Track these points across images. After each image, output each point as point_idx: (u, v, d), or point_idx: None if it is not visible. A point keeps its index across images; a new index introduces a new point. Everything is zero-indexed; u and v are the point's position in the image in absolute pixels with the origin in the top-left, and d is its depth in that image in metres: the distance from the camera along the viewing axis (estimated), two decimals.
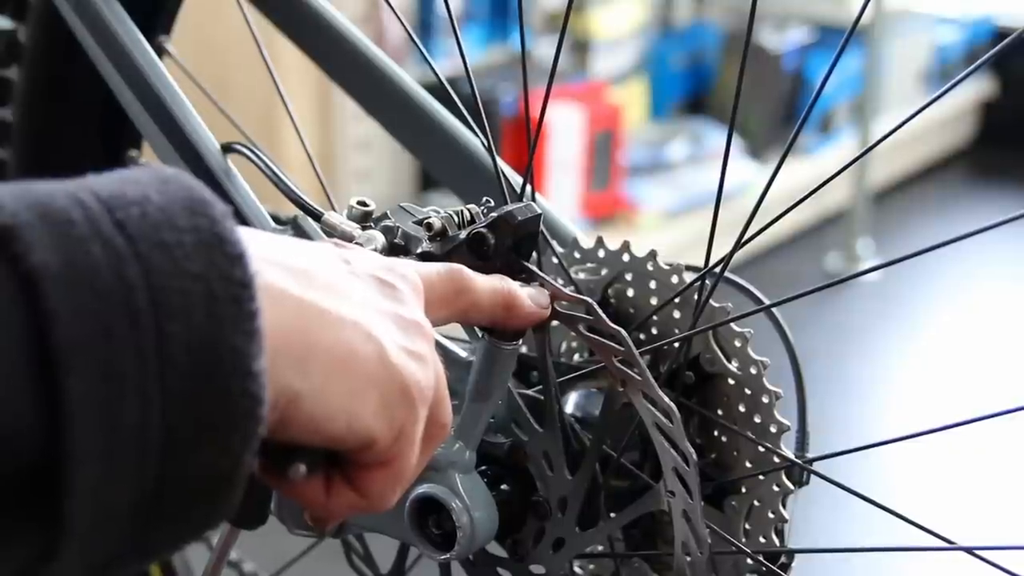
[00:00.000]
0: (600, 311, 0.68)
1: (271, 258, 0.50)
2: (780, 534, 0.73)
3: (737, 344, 0.73)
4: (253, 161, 0.78)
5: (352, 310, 0.52)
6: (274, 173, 0.76)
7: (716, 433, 0.75)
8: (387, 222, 0.71)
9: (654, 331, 0.76)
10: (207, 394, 0.44)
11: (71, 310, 0.41)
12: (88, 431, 0.42)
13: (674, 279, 0.75)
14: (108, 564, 0.45)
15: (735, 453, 0.74)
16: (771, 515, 0.73)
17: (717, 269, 0.72)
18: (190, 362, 0.43)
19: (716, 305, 0.72)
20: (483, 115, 0.78)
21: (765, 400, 0.72)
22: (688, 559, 0.68)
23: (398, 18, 0.81)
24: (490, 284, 0.64)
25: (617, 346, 0.68)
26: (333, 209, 0.74)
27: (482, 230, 0.68)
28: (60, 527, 0.42)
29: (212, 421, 0.44)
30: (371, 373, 0.51)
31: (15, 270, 0.41)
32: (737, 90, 0.69)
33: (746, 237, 0.70)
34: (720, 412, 0.74)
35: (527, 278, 0.69)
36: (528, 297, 0.66)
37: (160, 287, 0.43)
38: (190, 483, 0.45)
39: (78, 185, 0.45)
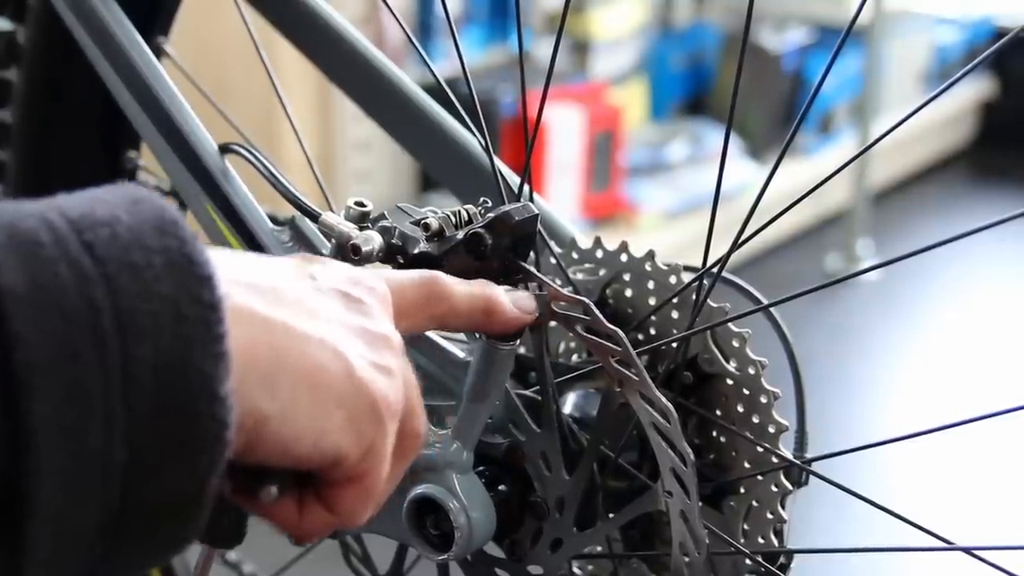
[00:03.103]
0: (597, 312, 0.68)
1: (238, 278, 0.50)
2: (779, 534, 0.73)
3: (735, 344, 0.73)
4: (251, 162, 0.78)
5: (318, 327, 0.51)
6: (272, 174, 0.76)
7: (714, 433, 0.75)
8: (384, 222, 0.71)
9: (652, 331, 0.76)
10: (173, 417, 0.44)
11: (36, 331, 0.41)
12: (52, 453, 0.41)
13: (672, 279, 0.75)
14: None
15: (734, 453, 0.74)
16: (770, 515, 0.73)
17: (715, 269, 0.72)
18: (156, 384, 0.43)
19: (714, 305, 0.72)
20: (481, 116, 0.78)
21: (763, 400, 0.72)
22: (686, 559, 0.68)
23: (397, 20, 0.81)
24: (468, 290, 0.64)
25: (614, 346, 0.68)
26: (331, 210, 0.74)
27: (479, 230, 0.68)
28: (22, 548, 0.42)
29: (178, 444, 0.44)
30: (338, 389, 0.51)
31: None
32: (734, 90, 0.69)
33: (744, 237, 0.70)
34: (718, 412, 0.74)
35: (524, 278, 0.69)
36: (512, 302, 0.66)
37: (127, 309, 0.43)
38: (156, 505, 0.45)
39: (48, 205, 0.44)
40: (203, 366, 0.44)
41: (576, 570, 0.80)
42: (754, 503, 0.73)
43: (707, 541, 0.68)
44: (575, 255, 0.78)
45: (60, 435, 0.42)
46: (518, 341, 0.69)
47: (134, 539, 0.45)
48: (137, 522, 0.45)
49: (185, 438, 0.44)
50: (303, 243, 0.74)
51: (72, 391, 0.42)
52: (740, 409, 0.73)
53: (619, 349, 0.67)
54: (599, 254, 0.77)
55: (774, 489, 0.72)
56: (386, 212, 0.71)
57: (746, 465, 0.73)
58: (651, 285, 0.76)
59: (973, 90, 3.77)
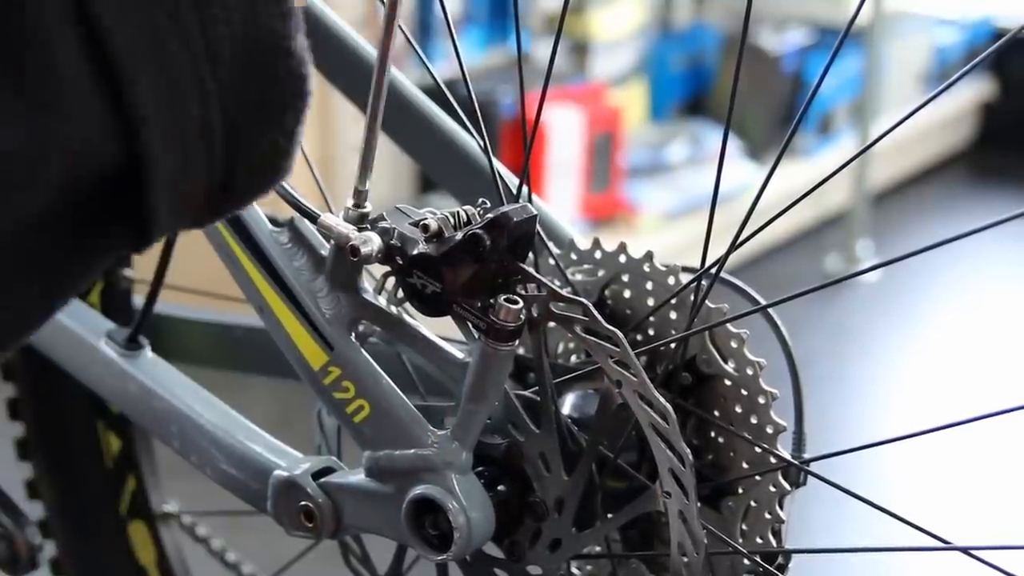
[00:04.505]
0: (596, 312, 0.68)
1: None
2: (777, 535, 0.73)
3: (734, 345, 0.73)
4: None
5: None
6: None
7: (713, 434, 0.75)
8: (384, 224, 0.71)
9: (651, 332, 0.76)
10: (257, 80, 0.48)
11: (122, 21, 0.44)
12: (161, 128, 0.46)
13: (670, 280, 0.75)
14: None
15: (732, 454, 0.74)
16: (768, 516, 0.73)
17: (714, 270, 0.72)
18: (236, 55, 0.47)
19: (712, 306, 0.73)
20: (479, 117, 0.78)
21: (762, 401, 0.72)
22: (684, 560, 0.68)
23: (397, 23, 0.81)
24: None
25: (613, 347, 0.68)
26: (330, 211, 0.74)
27: (478, 231, 0.68)
28: (148, 219, 0.47)
29: (265, 104, 0.49)
30: None
31: None
32: (732, 91, 0.69)
33: (743, 238, 0.70)
34: (717, 413, 0.74)
35: (523, 279, 0.69)
36: None
37: None
38: (254, 164, 0.50)
39: None
40: (273, 26, 0.48)
41: (575, 570, 0.80)
42: (752, 503, 0.73)
43: (705, 541, 0.68)
44: (573, 256, 0.78)
45: (166, 112, 0.46)
46: (517, 342, 0.69)
47: (236, 196, 0.51)
48: (240, 180, 0.50)
49: (270, 98, 0.49)
50: (302, 244, 0.74)
51: (167, 73, 0.46)
52: (738, 410, 0.73)
53: (618, 350, 0.68)
54: (597, 255, 0.77)
55: (772, 489, 0.73)
56: (385, 213, 0.71)
57: (744, 465, 0.73)
58: (649, 286, 0.76)
59: (973, 91, 3.77)
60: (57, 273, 0.48)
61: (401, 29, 0.79)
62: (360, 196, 0.72)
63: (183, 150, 0.47)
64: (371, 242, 0.69)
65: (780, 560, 0.73)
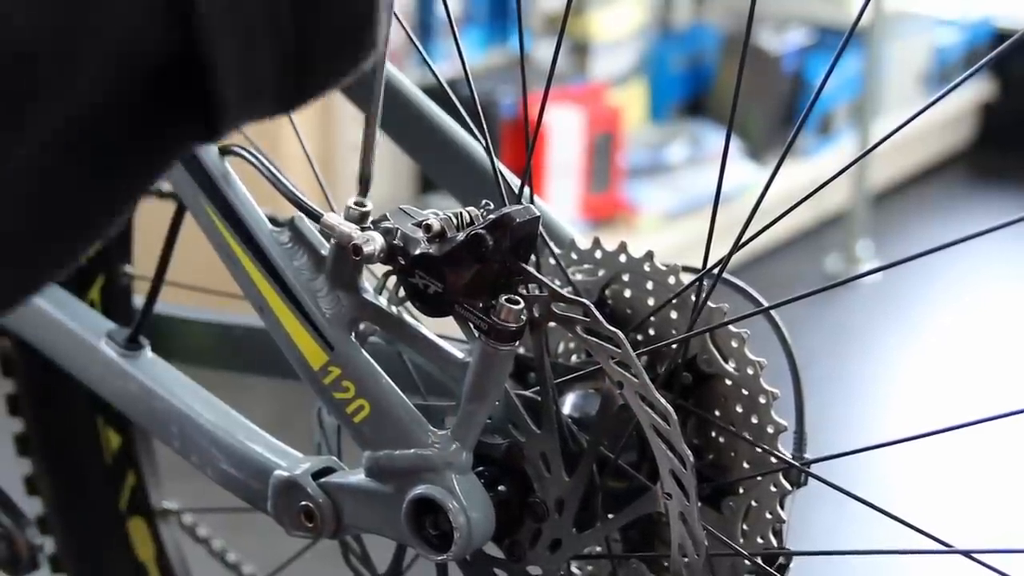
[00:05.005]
0: (597, 313, 0.68)
1: None
2: (778, 534, 0.73)
3: (734, 345, 0.73)
4: (252, 163, 0.78)
5: None
6: (273, 175, 0.76)
7: (713, 434, 0.75)
8: (386, 224, 0.71)
9: (651, 332, 0.76)
10: None
11: None
12: (216, 6, 0.42)
13: (671, 280, 0.75)
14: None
15: (733, 454, 0.74)
16: (768, 516, 0.73)
17: (715, 271, 0.72)
18: None
19: (713, 306, 0.72)
20: (482, 118, 0.78)
21: (762, 401, 0.72)
22: (685, 560, 0.68)
23: (398, 20, 0.81)
24: None
25: (614, 348, 0.68)
26: (332, 211, 0.74)
27: (481, 232, 0.68)
28: (215, 104, 0.43)
29: None
30: None
31: None
32: (735, 92, 0.69)
33: (744, 239, 0.70)
34: (717, 413, 0.74)
35: (524, 279, 0.69)
36: None
37: None
38: (332, 35, 0.45)
39: None
40: None
41: (575, 570, 0.80)
42: (753, 503, 0.73)
43: (706, 543, 0.68)
44: (574, 256, 0.78)
45: None
46: (517, 342, 0.69)
47: (318, 74, 0.45)
48: (319, 54, 0.45)
49: None
50: (302, 243, 0.74)
51: None
52: (739, 410, 0.73)
53: (619, 351, 0.67)
54: (598, 255, 0.77)
55: (773, 490, 0.72)
56: (388, 213, 0.71)
57: (745, 466, 0.73)
58: (650, 286, 0.76)
59: (973, 92, 3.77)
60: (125, 169, 0.44)
61: (404, 28, 0.79)
62: (361, 194, 0.72)
63: (244, 27, 0.42)
64: (374, 241, 0.69)
65: (781, 561, 0.73)
